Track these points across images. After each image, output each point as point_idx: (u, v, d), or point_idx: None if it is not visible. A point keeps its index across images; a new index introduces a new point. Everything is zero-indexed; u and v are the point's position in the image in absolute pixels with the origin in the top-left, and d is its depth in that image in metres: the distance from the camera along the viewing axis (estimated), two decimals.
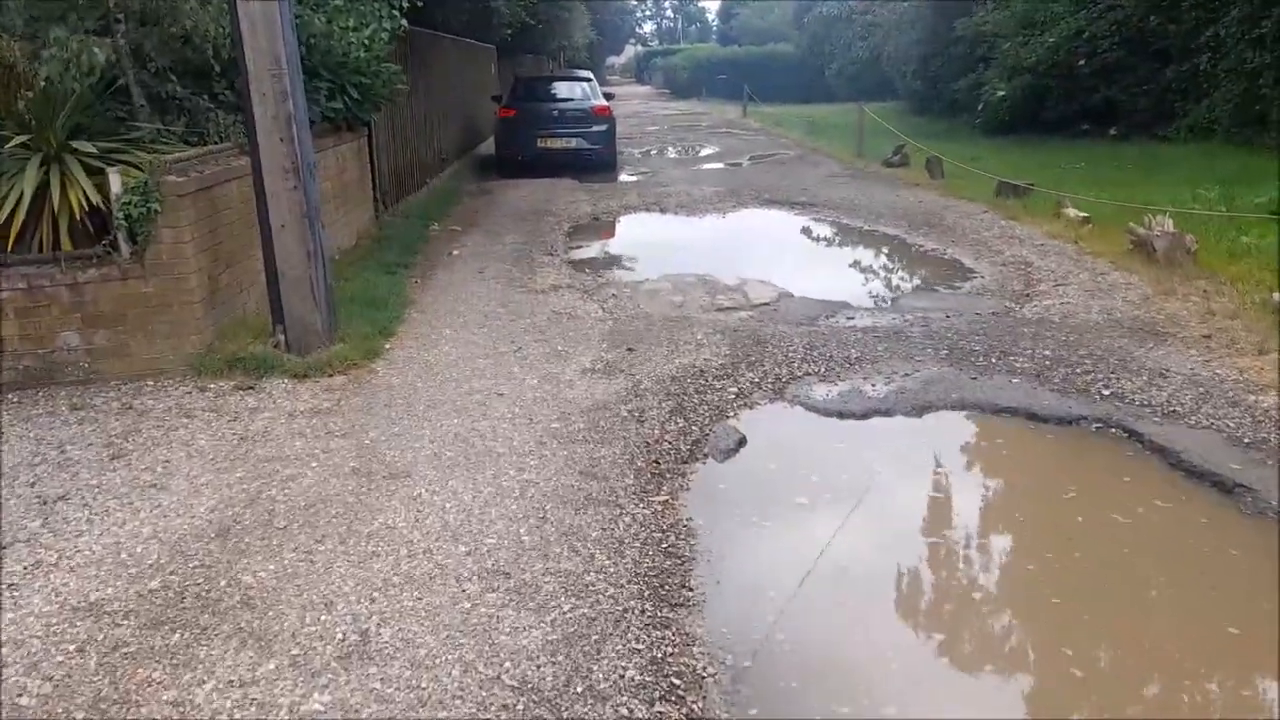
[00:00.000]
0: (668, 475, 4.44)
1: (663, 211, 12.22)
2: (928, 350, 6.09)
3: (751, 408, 5.28)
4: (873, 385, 5.52)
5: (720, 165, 17.53)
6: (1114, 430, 4.82)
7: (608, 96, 17.22)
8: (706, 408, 5.23)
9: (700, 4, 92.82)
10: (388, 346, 6.38)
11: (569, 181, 15.08)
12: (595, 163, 16.04)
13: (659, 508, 4.11)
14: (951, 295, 7.65)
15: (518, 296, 7.74)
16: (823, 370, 5.79)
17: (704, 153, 20.09)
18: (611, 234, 11.24)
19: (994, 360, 5.84)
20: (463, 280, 8.35)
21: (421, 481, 4.35)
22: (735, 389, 5.50)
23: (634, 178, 15.88)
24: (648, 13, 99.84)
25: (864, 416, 5.14)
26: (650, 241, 10.71)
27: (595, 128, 16.02)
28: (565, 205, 12.67)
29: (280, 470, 4.50)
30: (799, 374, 5.74)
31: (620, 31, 73.40)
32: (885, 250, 9.78)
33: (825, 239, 10.64)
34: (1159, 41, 17.54)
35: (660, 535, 3.88)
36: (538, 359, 6.11)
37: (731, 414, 5.18)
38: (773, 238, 10.87)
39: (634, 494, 4.21)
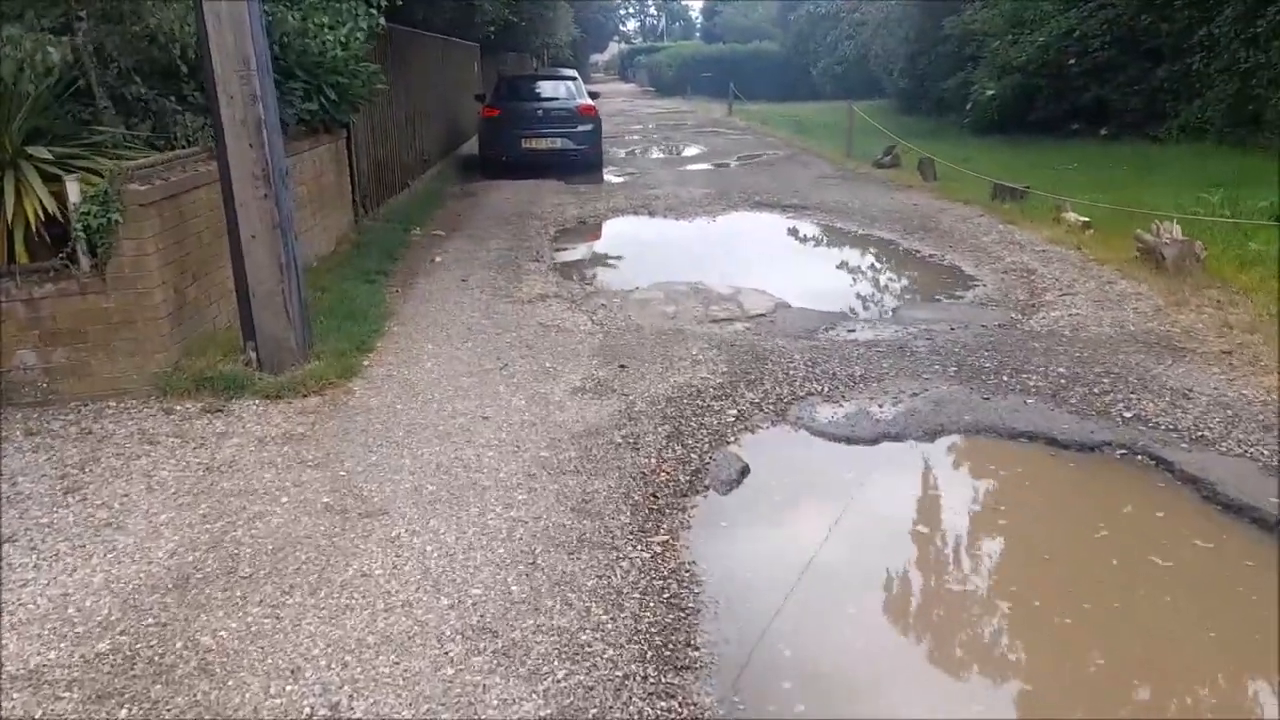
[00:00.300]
0: (667, 511, 4.11)
1: (651, 215, 11.90)
2: (935, 367, 5.79)
3: (753, 431, 4.97)
4: (880, 406, 5.21)
5: (708, 166, 17.22)
6: (1140, 458, 4.53)
7: (592, 95, 16.87)
8: (705, 432, 4.91)
9: (684, 2, 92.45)
10: (366, 363, 6.04)
11: (554, 183, 14.74)
12: (580, 163, 15.70)
13: (659, 550, 3.79)
14: (954, 306, 7.36)
15: (503, 307, 7.40)
16: (826, 390, 5.48)
17: (690, 152, 19.78)
18: (599, 238, 10.91)
19: (1006, 378, 5.54)
20: (445, 289, 8.00)
21: (400, 520, 4.01)
22: (735, 411, 5.18)
23: (620, 179, 15.55)
24: (631, 10, 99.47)
25: (873, 441, 4.83)
26: (639, 246, 10.39)
27: (580, 127, 15.68)
28: (550, 208, 12.33)
29: (248, 506, 4.15)
30: (801, 394, 5.43)
31: (604, 29, 73.01)
32: (882, 256, 9.48)
33: (819, 244, 10.34)
34: (1150, 40, 17.33)
35: (661, 583, 3.56)
36: (525, 377, 5.78)
37: (732, 439, 4.86)
38: (765, 242, 10.56)
39: (631, 534, 3.89)
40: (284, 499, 4.21)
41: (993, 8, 21.06)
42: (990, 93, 19.60)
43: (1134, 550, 3.81)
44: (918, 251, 9.35)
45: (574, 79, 17.08)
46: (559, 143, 15.55)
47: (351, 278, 8.08)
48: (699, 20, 79.34)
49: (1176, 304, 6.79)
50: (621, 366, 5.92)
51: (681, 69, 46.70)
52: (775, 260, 9.46)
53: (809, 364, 5.86)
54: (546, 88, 16.74)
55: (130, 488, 4.38)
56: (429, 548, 3.78)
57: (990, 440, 4.81)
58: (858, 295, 7.96)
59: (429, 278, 8.45)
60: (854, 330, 6.67)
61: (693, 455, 4.64)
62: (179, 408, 5.30)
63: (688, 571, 3.66)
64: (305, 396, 5.47)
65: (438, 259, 9.20)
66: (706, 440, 4.81)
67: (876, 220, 10.90)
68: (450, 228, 10.95)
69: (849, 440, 4.84)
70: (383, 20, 9.53)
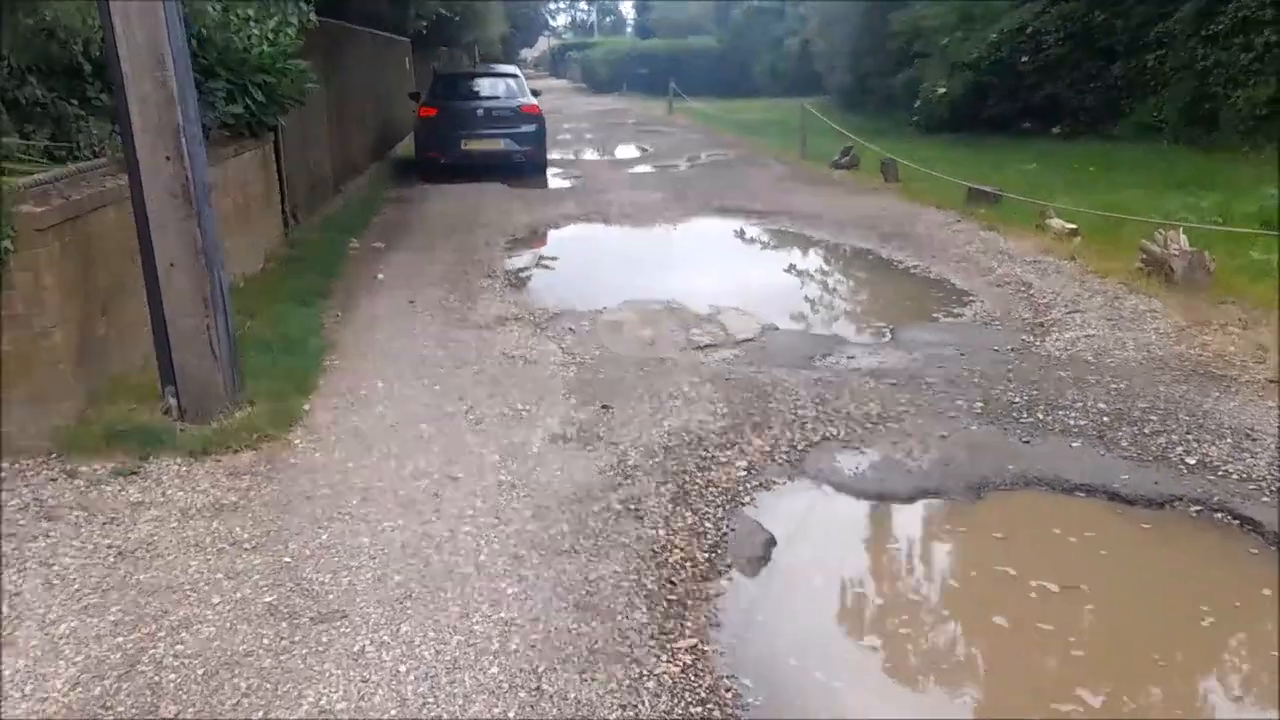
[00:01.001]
0: (689, 603, 3.40)
1: (606, 222, 11.16)
2: (958, 402, 5.16)
3: (769, 488, 4.27)
4: (909, 454, 4.56)
5: (658, 167, 16.51)
6: (1220, 515, 3.94)
7: (534, 93, 16.04)
8: (716, 492, 4.20)
9: None
10: (307, 408, 5.22)
11: (498, 187, 13.92)
12: (524, 166, 14.89)
13: (688, 660, 3.07)
14: (956, 326, 6.75)
15: (459, 334, 6.62)
16: (843, 433, 4.81)
17: (636, 153, 19.05)
18: (555, 250, 10.13)
19: (1041, 416, 4.93)
20: (392, 313, 7.19)
21: (364, 626, 3.24)
22: (744, 463, 4.49)
23: (567, 182, 14.78)
24: (561, 5, 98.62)
25: (910, 499, 4.17)
26: (600, 258, 9.66)
27: (524, 128, 14.86)
28: (498, 215, 11.52)
29: (170, 610, 3.34)
30: (816, 438, 4.75)
31: (534, 24, 72.12)
32: (862, 268, 8.86)
33: (793, 254, 9.70)
34: (1105, 38, 17.05)
35: (700, 711, 2.85)
36: (495, 422, 5.02)
37: (747, 499, 4.16)
38: (735, 253, 9.90)
39: (652, 638, 3.17)
40: (215, 599, 3.41)
41: (941, 2, 20.71)
42: (942, 90, 19.21)
43: (1253, 649, 3.20)
44: (899, 262, 8.76)
45: (515, 76, 16.25)
46: (501, 144, 14.72)
47: (285, 300, 7.23)
48: (631, 15, 78.68)
49: (1199, 323, 6.26)
50: (604, 407, 5.19)
51: (617, 65, 45.95)
52: (750, 273, 8.78)
53: (817, 401, 5.19)
54: (486, 85, 15.90)
55: (24, 583, 3.54)
56: (403, 667, 3.02)
57: (1044, 495, 4.18)
58: (847, 314, 7.34)
59: (373, 298, 7.62)
60: (854, 356, 6.03)
61: (706, 524, 3.93)
62: (85, 469, 4.45)
63: (728, 690, 2.95)
64: (237, 452, 4.65)
65: (380, 276, 8.36)
66: (719, 502, 4.11)
67: (848, 227, 10.30)
68: (391, 238, 10.09)
69: (881, 497, 4.18)
70: (314, 14, 8.67)
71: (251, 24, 7.68)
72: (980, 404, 5.12)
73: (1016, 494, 4.20)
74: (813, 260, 9.41)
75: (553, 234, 10.67)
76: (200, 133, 4.85)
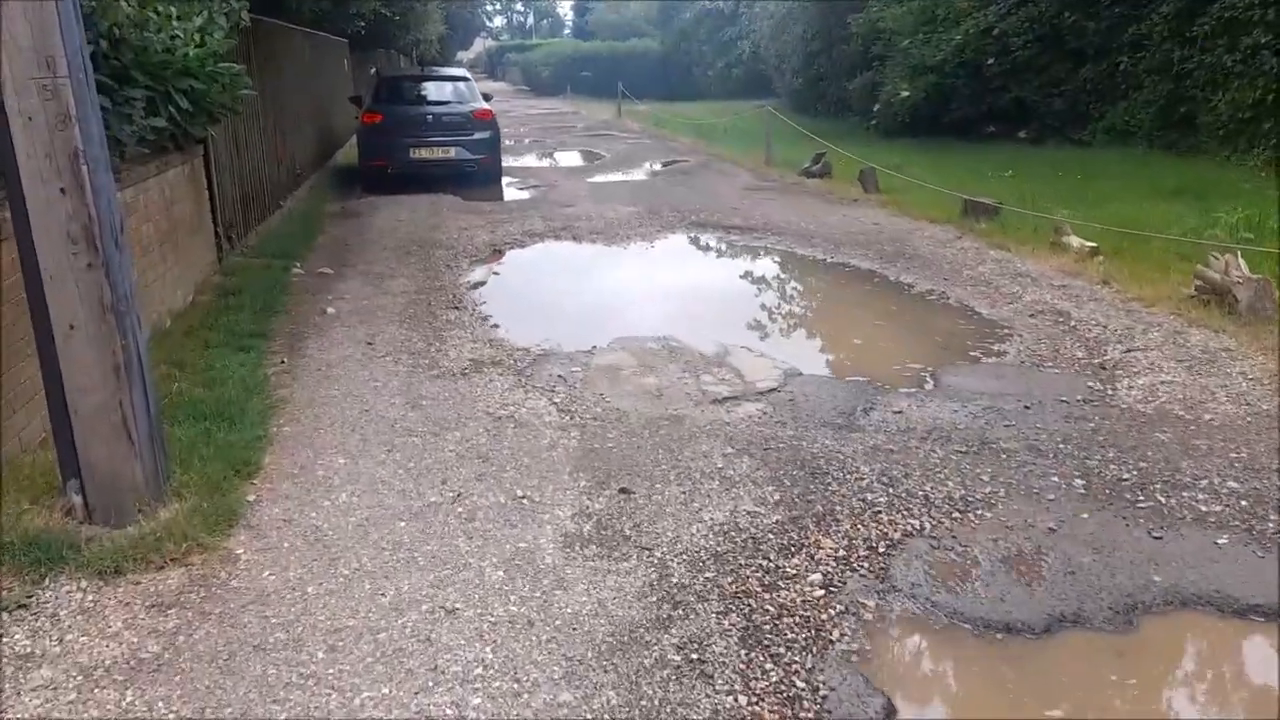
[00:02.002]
0: None
1: (576, 239, 10.15)
2: (1053, 478, 4.26)
3: (858, 615, 3.32)
4: (1022, 560, 3.64)
5: (620, 176, 15.54)
6: None
7: (485, 97, 14.95)
8: (793, 624, 3.24)
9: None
10: (251, 498, 4.16)
11: (451, 199, 12.84)
12: (478, 176, 13.83)
13: None
14: (1002, 368, 5.88)
15: (431, 387, 5.59)
16: (928, 527, 3.88)
17: (594, 161, 18.03)
18: (523, 273, 9.11)
19: (1162, 499, 4.05)
20: (347, 357, 6.13)
21: None
22: (818, 576, 3.53)
23: (525, 193, 13.74)
24: (498, 7, 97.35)
25: (1046, 630, 3.24)
26: (577, 284, 8.64)
27: (477, 135, 13.79)
28: (456, 232, 10.45)
29: None
30: (897, 535, 3.82)
31: (470, 25, 70.62)
32: (873, 294, 7.92)
33: (789, 278, 8.79)
34: (1074, 40, 16.46)
35: None
36: (491, 517, 4.01)
37: (837, 635, 3.20)
38: (724, 277, 8.96)
39: None
40: None
41: (899, 4, 20.03)
42: (905, 94, 18.51)
43: None
44: (910, 286, 7.89)
45: (466, 79, 15.14)
46: (453, 152, 13.63)
47: (220, 344, 6.14)
48: (570, 17, 77.69)
49: None
50: (624, 491, 4.21)
51: (559, 68, 44.94)
52: (749, 302, 7.87)
53: (884, 480, 4.26)
54: (435, 89, 14.78)
55: None
56: None
57: (1211, 619, 3.28)
58: (873, 352, 6.42)
59: (322, 339, 6.54)
60: (902, 411, 5.12)
61: (795, 680, 2.96)
62: None
63: None
64: (161, 569, 3.59)
65: (330, 309, 7.27)
66: (802, 643, 3.14)
67: (842, 245, 9.43)
68: (339, 262, 8.99)
69: (1009, 629, 3.24)
70: (247, 12, 7.55)
71: (174, 22, 6.54)
72: (1080, 481, 4.23)
73: (1177, 618, 3.29)
74: (815, 285, 8.51)
75: (519, 255, 9.63)
76: (106, 157, 3.76)
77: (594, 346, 6.36)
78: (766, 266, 9.15)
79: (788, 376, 5.70)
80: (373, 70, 16.94)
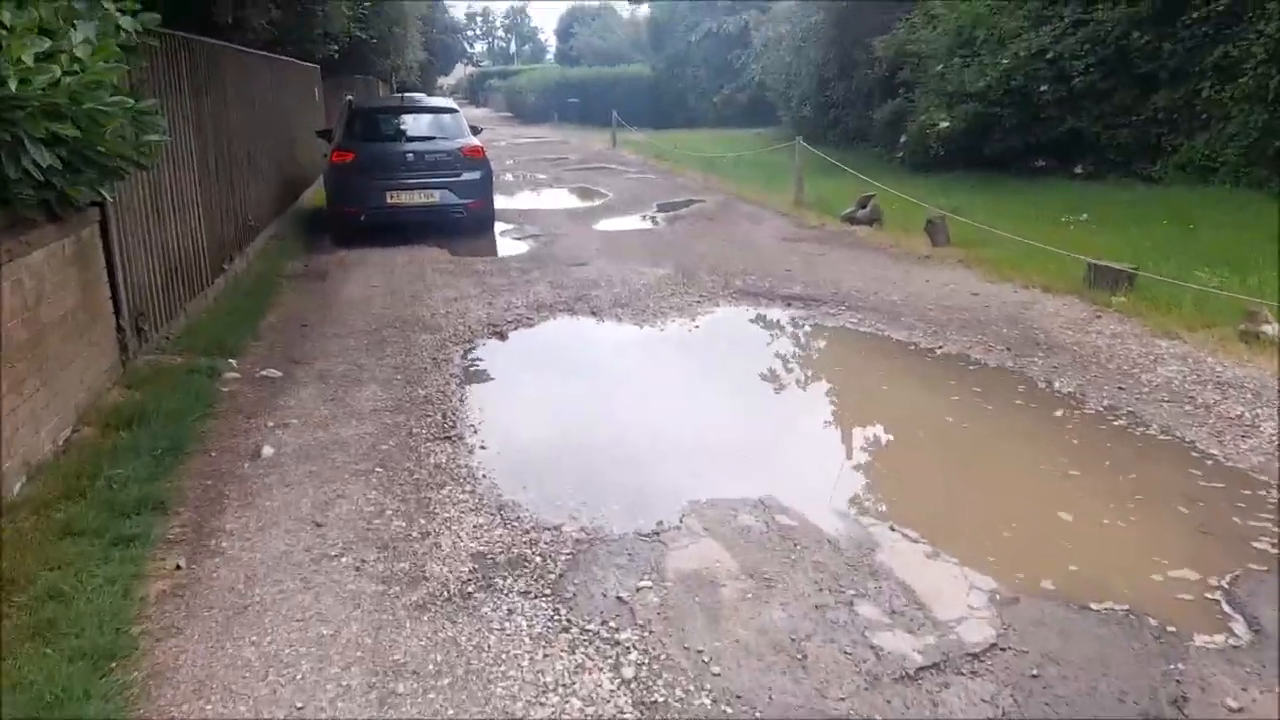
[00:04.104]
0: None
1: (596, 315, 7.97)
2: None
3: None
4: None
5: (633, 221, 13.40)
6: None
7: (474, 130, 12.80)
8: None
9: (534, 24, 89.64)
10: None
11: (436, 253, 10.70)
12: (467, 224, 11.68)
13: None
14: None
15: (413, 639, 3.37)
16: None
17: (598, 200, 15.85)
18: (535, 372, 6.87)
19: None
20: (280, 560, 3.92)
21: None
22: None
23: (523, 244, 11.57)
24: (478, 32, 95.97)
25: None
26: (607, 389, 6.40)
27: (466, 175, 11.64)
28: (443, 304, 8.28)
29: None
30: None
31: (450, 51, 68.86)
32: (1030, 414, 5.49)
33: (903, 385, 6.20)
34: (1146, 64, 14.48)
35: None
36: None
37: None
38: (808, 379, 6.69)
39: None
40: None
41: (931, 27, 18.05)
42: (944, 124, 16.49)
43: None
44: (1078, 402, 5.67)
45: (453, 111, 12.94)
46: (437, 196, 11.48)
47: (86, 528, 3.96)
48: (552, 43, 76.02)
49: None
50: None
51: (545, 94, 43.01)
52: (863, 430, 5.67)
53: None
54: (416, 123, 12.56)
55: None
56: None
57: None
58: (1100, 541, 4.17)
59: (245, 514, 4.33)
60: (1234, 706, 2.96)
61: None
62: None
63: None
64: None
65: (267, 448, 5.06)
66: None
67: (946, 326, 7.28)
68: (289, 355, 6.79)
69: None
70: (138, 25, 5.35)
71: (28, 38, 4.36)
72: None
73: None
74: (943, 398, 5.85)
75: (525, 339, 7.43)
76: None
77: (660, 524, 4.19)
78: (861, 363, 6.87)
79: (999, 606, 3.54)
80: (346, 98, 14.79)
